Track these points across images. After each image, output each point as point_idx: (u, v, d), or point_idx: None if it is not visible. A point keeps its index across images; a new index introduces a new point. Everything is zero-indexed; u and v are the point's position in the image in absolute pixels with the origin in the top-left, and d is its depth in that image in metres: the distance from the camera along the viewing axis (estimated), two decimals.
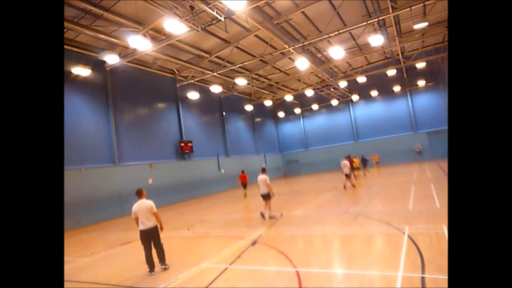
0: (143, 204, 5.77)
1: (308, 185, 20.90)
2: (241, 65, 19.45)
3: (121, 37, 13.96)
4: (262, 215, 9.92)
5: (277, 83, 27.66)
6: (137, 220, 5.82)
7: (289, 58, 21.84)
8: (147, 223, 5.71)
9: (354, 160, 21.11)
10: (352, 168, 20.82)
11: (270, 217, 9.72)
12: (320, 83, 29.09)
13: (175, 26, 11.92)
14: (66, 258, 7.79)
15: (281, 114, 35.50)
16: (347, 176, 15.04)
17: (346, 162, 15.04)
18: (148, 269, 5.75)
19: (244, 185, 18.54)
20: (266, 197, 9.82)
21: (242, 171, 19.31)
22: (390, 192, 12.68)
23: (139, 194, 5.95)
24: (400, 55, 23.83)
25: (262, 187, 9.83)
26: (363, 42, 21.53)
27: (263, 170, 10.37)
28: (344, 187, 15.14)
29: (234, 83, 23.07)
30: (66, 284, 5.42)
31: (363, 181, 15.85)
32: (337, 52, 17.41)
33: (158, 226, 5.84)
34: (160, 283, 5.19)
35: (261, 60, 20.60)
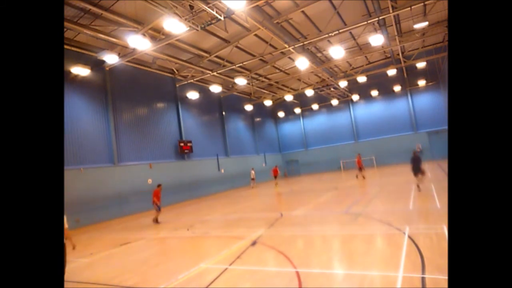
0: None
1: (308, 185, 20.90)
2: (241, 64, 19.44)
3: (120, 36, 13.95)
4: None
5: (277, 82, 27.64)
6: None
7: (289, 57, 21.82)
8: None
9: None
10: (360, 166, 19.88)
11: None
12: (320, 82, 29.08)
13: (175, 25, 11.90)
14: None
15: (281, 114, 35.46)
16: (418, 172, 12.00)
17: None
18: None
19: (275, 177, 23.70)
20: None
21: (276, 166, 25.18)
22: (391, 192, 12.68)
23: None
24: (400, 54, 23.81)
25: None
26: (363, 42, 21.52)
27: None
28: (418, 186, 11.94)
29: (234, 83, 23.05)
30: (66, 284, 5.41)
31: (371, 181, 15.86)
32: (337, 52, 17.38)
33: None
34: (160, 283, 5.18)
35: (261, 59, 20.59)
